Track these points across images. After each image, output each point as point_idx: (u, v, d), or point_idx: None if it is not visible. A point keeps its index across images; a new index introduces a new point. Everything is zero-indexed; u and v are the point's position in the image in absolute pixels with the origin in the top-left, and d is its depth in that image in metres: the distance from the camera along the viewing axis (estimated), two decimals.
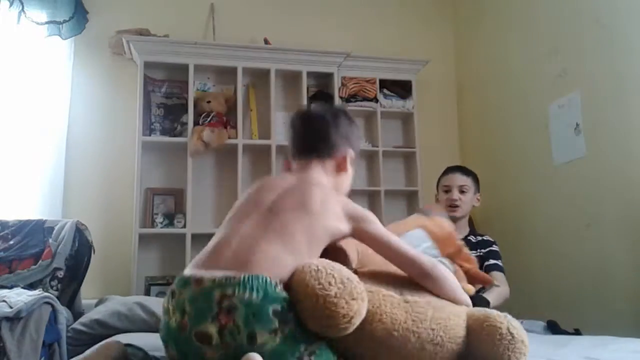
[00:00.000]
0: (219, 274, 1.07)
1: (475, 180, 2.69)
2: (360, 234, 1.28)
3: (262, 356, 0.99)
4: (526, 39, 3.29)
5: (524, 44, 3.31)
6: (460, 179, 2.62)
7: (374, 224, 1.29)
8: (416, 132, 3.63)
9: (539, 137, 3.12)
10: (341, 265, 1.10)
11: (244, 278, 1.04)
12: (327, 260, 1.11)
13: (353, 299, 1.03)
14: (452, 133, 3.95)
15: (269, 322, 1.02)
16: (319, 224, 1.20)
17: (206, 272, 1.09)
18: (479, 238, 2.66)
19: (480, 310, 1.24)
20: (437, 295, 1.23)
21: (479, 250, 2.58)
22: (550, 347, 1.56)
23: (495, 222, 3.40)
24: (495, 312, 1.21)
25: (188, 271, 1.13)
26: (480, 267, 2.27)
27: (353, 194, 3.47)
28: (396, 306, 1.14)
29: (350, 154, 1.44)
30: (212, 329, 1.02)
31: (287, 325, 1.04)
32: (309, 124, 1.47)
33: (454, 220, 2.50)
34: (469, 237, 2.63)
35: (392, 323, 1.12)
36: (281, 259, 1.11)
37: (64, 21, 3.19)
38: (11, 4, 3.10)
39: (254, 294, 1.02)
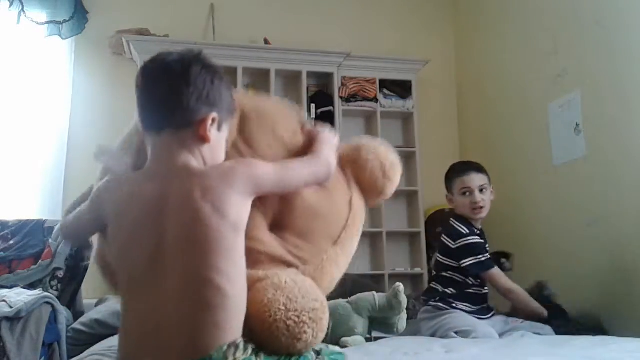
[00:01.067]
0: None
1: (487, 174, 2.58)
2: (261, 195, 1.10)
3: None
4: (526, 39, 3.29)
5: (524, 44, 3.30)
6: (479, 179, 2.42)
7: (267, 175, 1.09)
8: (416, 132, 3.63)
9: (539, 137, 3.12)
10: (300, 285, 1.03)
11: None
12: (286, 286, 1.01)
13: (323, 326, 1.03)
14: (452, 133, 3.95)
15: None
16: (227, 231, 0.99)
17: None
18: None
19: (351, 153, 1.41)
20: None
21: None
22: (550, 347, 1.56)
23: (495, 222, 3.39)
24: (365, 153, 1.42)
25: None
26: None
27: None
28: (340, 255, 1.24)
29: (213, 117, 1.09)
30: None
31: None
32: (152, 81, 1.12)
33: (478, 221, 2.44)
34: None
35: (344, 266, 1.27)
36: (224, 325, 0.96)
37: (64, 21, 3.20)
38: (11, 4, 3.10)
39: None
